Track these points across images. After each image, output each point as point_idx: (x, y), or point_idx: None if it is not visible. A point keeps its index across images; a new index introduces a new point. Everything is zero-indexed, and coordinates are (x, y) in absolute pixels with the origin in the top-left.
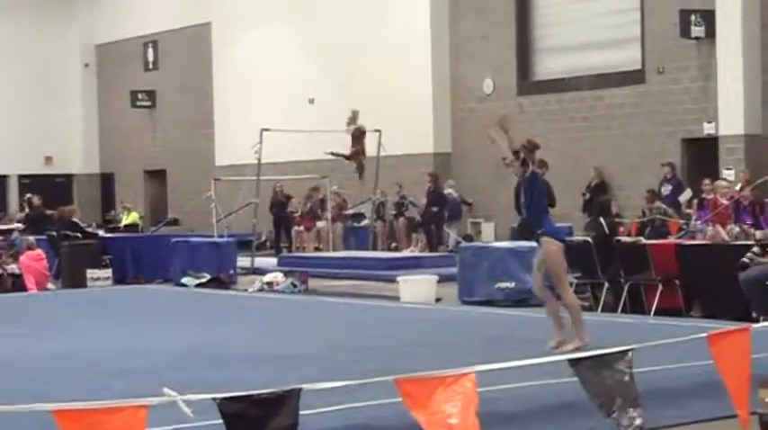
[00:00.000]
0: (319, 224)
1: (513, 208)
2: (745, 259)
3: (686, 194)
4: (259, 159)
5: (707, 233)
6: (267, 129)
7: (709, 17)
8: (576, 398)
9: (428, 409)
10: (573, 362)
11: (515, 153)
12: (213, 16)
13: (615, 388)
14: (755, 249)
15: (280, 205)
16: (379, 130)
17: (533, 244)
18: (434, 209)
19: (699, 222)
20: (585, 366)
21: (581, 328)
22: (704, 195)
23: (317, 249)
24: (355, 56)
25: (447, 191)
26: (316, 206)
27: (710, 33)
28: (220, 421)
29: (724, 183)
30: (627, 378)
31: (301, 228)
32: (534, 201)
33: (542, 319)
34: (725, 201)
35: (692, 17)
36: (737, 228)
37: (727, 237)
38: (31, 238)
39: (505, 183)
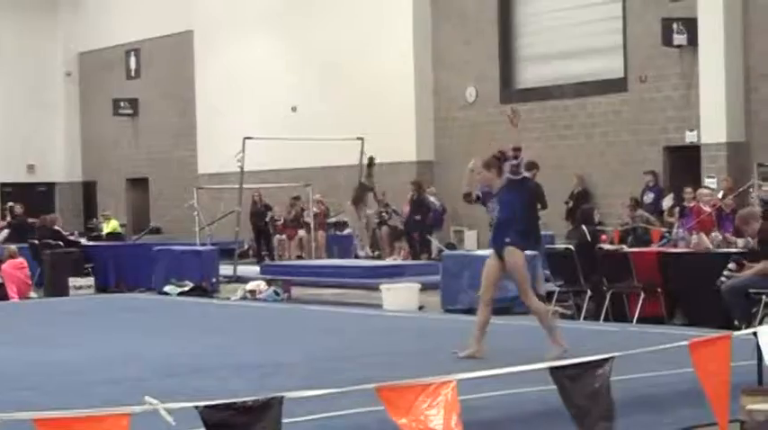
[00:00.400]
0: (301, 232)
1: None
2: (723, 277)
3: (668, 200)
4: (242, 167)
5: (690, 241)
6: (250, 138)
7: (691, 25)
8: (558, 407)
9: (410, 417)
10: (553, 370)
11: (516, 150)
12: (195, 24)
13: (591, 398)
14: (731, 265)
15: (258, 214)
16: (361, 138)
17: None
18: (417, 217)
19: (680, 230)
20: (565, 374)
21: (554, 333)
22: (685, 203)
23: (299, 258)
24: (338, 63)
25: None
26: (299, 214)
27: (693, 41)
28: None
29: (706, 191)
30: (604, 388)
31: (284, 236)
32: (517, 210)
33: (525, 328)
34: (708, 209)
35: (675, 25)
36: (720, 236)
37: (711, 245)
38: (14, 247)
39: None
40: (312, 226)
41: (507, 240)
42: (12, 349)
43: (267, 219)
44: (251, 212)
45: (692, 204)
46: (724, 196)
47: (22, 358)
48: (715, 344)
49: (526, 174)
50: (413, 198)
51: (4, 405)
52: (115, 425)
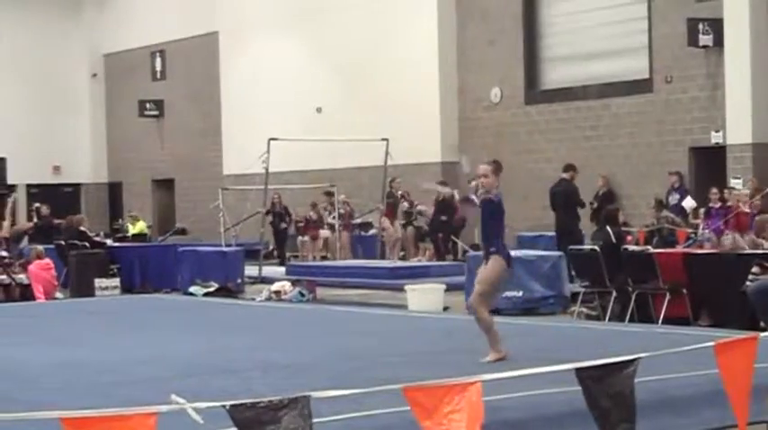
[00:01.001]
0: (323, 233)
1: (518, 217)
2: (748, 282)
3: (689, 201)
4: (267, 168)
5: (724, 241)
6: (275, 139)
7: (717, 26)
8: (582, 408)
9: (434, 419)
10: (579, 371)
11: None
12: (220, 26)
13: (615, 399)
14: (755, 269)
15: (277, 216)
16: (386, 139)
17: (542, 252)
18: (443, 218)
19: (706, 231)
20: (590, 375)
21: (495, 342)
22: (711, 204)
23: (323, 258)
24: (363, 64)
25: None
26: (327, 211)
27: (718, 42)
28: (230, 428)
29: (745, 191)
30: (627, 390)
31: (306, 237)
32: (492, 223)
33: (550, 328)
34: (747, 209)
35: (700, 26)
36: (747, 237)
37: (746, 246)
38: (40, 247)
39: (511, 192)
40: (337, 226)
41: (492, 250)
42: (38, 349)
43: (287, 222)
44: (267, 211)
45: (723, 204)
46: (752, 197)
47: (48, 358)
48: (741, 345)
49: (564, 175)
50: (438, 199)
51: (31, 405)
52: (142, 425)
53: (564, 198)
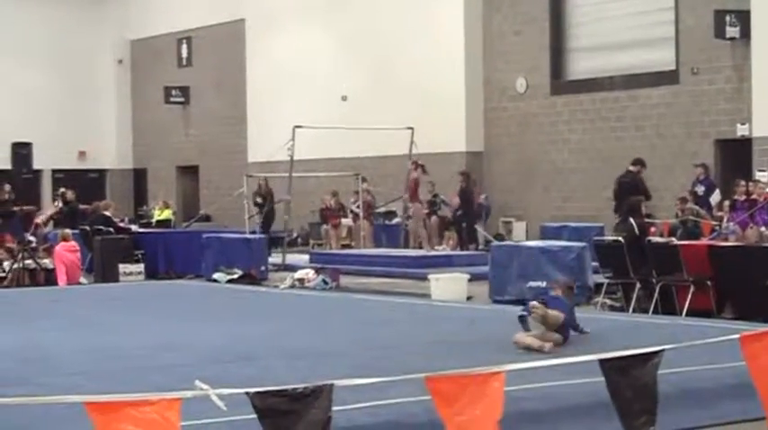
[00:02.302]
0: (345, 221)
1: (541, 208)
2: None
3: (716, 195)
4: (291, 156)
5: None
6: (300, 126)
7: (744, 18)
8: (604, 399)
9: (454, 408)
10: (602, 362)
11: None
12: (247, 13)
13: (638, 390)
14: None
15: (261, 197)
16: (411, 128)
17: (566, 243)
18: (465, 207)
19: (731, 224)
20: (614, 367)
21: None
22: (736, 197)
23: (345, 247)
24: (388, 53)
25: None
26: (352, 201)
27: (745, 34)
28: (253, 415)
29: None
30: (651, 381)
31: (328, 225)
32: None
33: None
34: None
35: (727, 17)
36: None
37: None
38: (68, 230)
39: (536, 182)
40: (361, 215)
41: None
42: (62, 334)
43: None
44: (254, 193)
45: (748, 197)
46: None
47: (72, 343)
48: (767, 337)
49: (631, 167)
50: (462, 188)
51: (55, 389)
52: (167, 410)
53: (630, 188)
